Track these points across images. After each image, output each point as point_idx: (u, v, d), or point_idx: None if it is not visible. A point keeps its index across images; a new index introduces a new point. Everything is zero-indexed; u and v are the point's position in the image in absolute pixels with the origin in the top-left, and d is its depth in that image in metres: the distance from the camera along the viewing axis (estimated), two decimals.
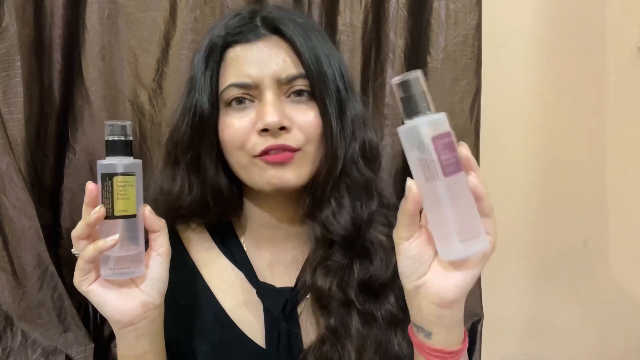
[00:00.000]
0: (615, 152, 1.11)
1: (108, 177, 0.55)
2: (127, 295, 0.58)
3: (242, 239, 0.73)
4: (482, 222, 0.48)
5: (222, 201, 0.69)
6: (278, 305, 0.67)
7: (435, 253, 0.51)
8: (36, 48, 0.88)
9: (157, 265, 0.59)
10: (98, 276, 0.57)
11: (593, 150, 1.12)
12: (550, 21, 1.10)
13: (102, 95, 0.90)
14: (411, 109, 0.47)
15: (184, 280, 0.70)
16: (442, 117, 0.47)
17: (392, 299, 0.66)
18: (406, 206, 0.50)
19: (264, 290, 0.69)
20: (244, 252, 0.72)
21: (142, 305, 0.58)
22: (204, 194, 0.68)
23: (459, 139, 1.06)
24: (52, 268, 0.87)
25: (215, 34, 0.66)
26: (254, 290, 0.69)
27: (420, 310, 0.53)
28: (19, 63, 0.84)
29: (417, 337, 0.55)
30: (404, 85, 0.47)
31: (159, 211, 0.66)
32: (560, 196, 1.13)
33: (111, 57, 0.91)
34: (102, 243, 0.54)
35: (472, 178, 0.47)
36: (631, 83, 1.09)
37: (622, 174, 1.12)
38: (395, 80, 0.48)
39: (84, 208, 0.56)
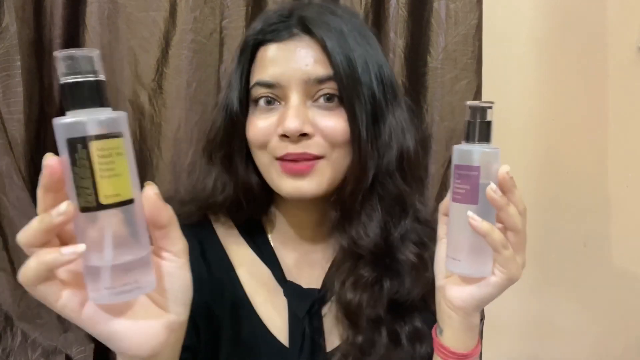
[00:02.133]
0: (615, 152, 1.11)
1: (80, 144, 0.35)
2: (146, 318, 0.42)
3: (269, 236, 0.72)
4: (495, 256, 0.52)
5: (253, 200, 0.68)
6: (304, 306, 0.66)
7: None
8: (36, 48, 0.88)
9: (177, 271, 0.43)
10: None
11: (593, 150, 1.12)
12: (550, 21, 1.10)
13: None
14: (466, 132, 0.53)
15: (221, 278, 0.67)
16: (474, 150, 0.51)
17: (417, 315, 0.65)
18: (441, 205, 0.57)
19: (290, 290, 0.68)
20: (272, 250, 0.71)
21: (166, 328, 0.43)
22: (237, 193, 0.67)
23: (459, 139, 1.06)
24: None
25: (251, 30, 0.65)
26: (280, 289, 0.68)
27: (439, 307, 0.59)
28: (19, 63, 0.84)
29: (436, 332, 0.60)
30: (471, 111, 0.53)
31: (193, 206, 0.67)
32: (561, 196, 1.13)
33: (111, 57, 0.91)
34: (52, 255, 0.37)
35: (469, 215, 0.51)
36: (631, 83, 1.09)
37: (622, 174, 1.12)
38: (468, 103, 0.53)
39: (41, 196, 0.38)
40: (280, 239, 0.71)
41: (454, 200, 0.52)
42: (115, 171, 0.36)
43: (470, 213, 0.50)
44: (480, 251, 0.52)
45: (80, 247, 0.36)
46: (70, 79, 0.36)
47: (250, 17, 0.91)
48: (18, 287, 0.87)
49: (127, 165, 0.37)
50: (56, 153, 0.36)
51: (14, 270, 0.88)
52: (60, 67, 0.36)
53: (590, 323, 1.16)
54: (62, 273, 0.39)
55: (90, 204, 0.36)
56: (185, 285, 0.44)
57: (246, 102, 0.64)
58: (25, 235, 0.37)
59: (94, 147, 0.35)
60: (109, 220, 0.37)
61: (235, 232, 0.72)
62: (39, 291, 0.38)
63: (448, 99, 0.96)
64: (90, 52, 0.37)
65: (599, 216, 1.13)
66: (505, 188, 0.51)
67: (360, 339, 0.63)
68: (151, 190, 0.40)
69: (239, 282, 0.68)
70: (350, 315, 0.64)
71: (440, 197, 0.98)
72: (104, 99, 0.37)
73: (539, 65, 1.11)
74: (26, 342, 0.87)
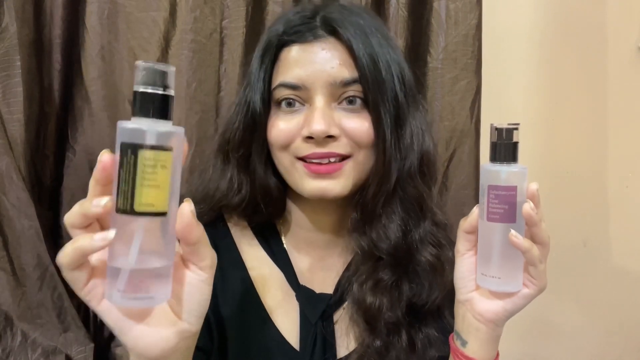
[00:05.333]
0: (615, 151, 1.11)
1: (131, 150, 0.37)
2: (158, 320, 0.43)
3: (283, 240, 0.71)
4: (529, 269, 0.54)
5: (271, 202, 0.68)
6: (317, 311, 0.66)
7: None
8: (36, 48, 0.88)
9: (198, 284, 0.44)
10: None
11: (593, 150, 1.12)
12: (550, 21, 1.10)
13: (102, 95, 0.90)
14: (493, 153, 0.53)
15: (233, 279, 0.67)
16: (511, 171, 0.52)
17: (431, 321, 0.65)
18: (463, 224, 0.57)
19: (304, 295, 0.67)
20: (286, 253, 0.70)
21: (176, 334, 0.43)
22: (254, 194, 0.66)
23: (459, 139, 1.06)
24: (52, 268, 0.87)
25: (274, 31, 0.63)
26: (292, 293, 0.67)
27: (463, 320, 0.59)
28: (18, 63, 0.84)
29: (454, 342, 0.60)
30: (498, 133, 0.53)
31: (205, 206, 0.67)
32: (560, 196, 1.13)
33: (111, 57, 0.91)
34: (86, 241, 0.38)
35: (512, 234, 0.52)
36: (631, 83, 1.09)
37: (622, 173, 1.12)
38: (494, 124, 0.53)
39: (91, 185, 0.40)
40: (294, 243, 0.71)
41: (490, 220, 0.53)
42: (155, 182, 0.37)
43: (513, 232, 0.52)
44: (514, 267, 0.54)
45: (111, 234, 0.37)
46: (142, 88, 0.38)
47: (251, 17, 0.92)
48: (18, 287, 0.87)
49: (170, 179, 0.38)
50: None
51: (14, 270, 0.87)
52: (137, 75, 0.38)
53: (590, 323, 1.16)
54: (94, 261, 0.41)
55: (125, 207, 0.37)
56: (204, 299, 0.45)
57: (268, 103, 0.63)
58: (68, 217, 0.40)
59: (142, 155, 0.37)
60: (139, 227, 0.38)
61: (250, 233, 0.71)
62: (71, 275, 0.40)
63: (448, 99, 0.96)
64: (167, 68, 0.39)
65: (598, 216, 1.13)
66: (535, 204, 0.52)
67: (378, 342, 0.62)
68: (187, 207, 0.41)
69: (251, 284, 0.68)
70: (369, 319, 0.64)
71: (439, 197, 0.98)
72: (168, 113, 0.39)
73: (539, 65, 1.11)
74: (26, 342, 0.86)
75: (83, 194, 0.44)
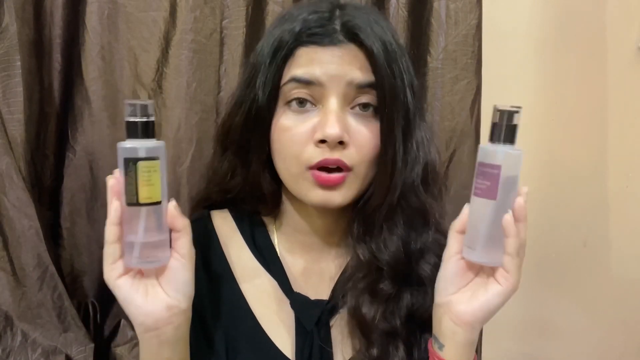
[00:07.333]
0: (615, 152, 1.11)
1: (132, 162, 0.52)
2: (153, 297, 0.55)
3: (275, 242, 0.70)
4: (505, 259, 0.55)
5: (260, 199, 0.68)
6: (312, 318, 0.65)
7: (469, 282, 0.59)
8: (36, 48, 0.88)
9: (180, 268, 0.56)
10: (127, 272, 0.54)
11: (593, 150, 1.12)
12: (550, 21, 1.10)
13: (102, 95, 0.90)
14: (491, 133, 0.56)
15: (217, 281, 0.67)
16: (497, 150, 0.54)
17: (430, 329, 0.64)
18: (454, 224, 0.58)
19: (298, 302, 0.66)
20: (278, 258, 0.69)
21: (167, 308, 0.55)
22: (244, 185, 0.67)
23: (459, 139, 1.06)
24: (52, 268, 0.87)
25: (288, 29, 0.61)
26: (286, 300, 0.66)
27: (440, 323, 0.59)
28: (19, 63, 0.84)
29: (432, 346, 0.61)
30: (498, 114, 0.55)
31: (210, 188, 0.74)
32: (560, 196, 1.13)
33: (111, 57, 0.91)
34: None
35: (506, 217, 0.54)
36: (631, 83, 1.09)
37: (622, 173, 1.12)
38: (496, 105, 0.55)
39: (109, 198, 0.54)
40: (287, 246, 0.70)
41: (475, 194, 0.56)
42: (151, 182, 0.53)
43: (505, 219, 0.54)
44: (494, 243, 0.56)
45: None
46: (132, 119, 0.53)
47: (251, 17, 0.91)
48: (18, 287, 0.87)
49: (160, 178, 0.53)
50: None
51: (14, 270, 0.87)
52: (127, 109, 0.53)
53: (589, 323, 1.16)
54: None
55: (133, 201, 0.53)
56: (185, 281, 0.56)
57: (275, 101, 0.62)
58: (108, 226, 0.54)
59: (140, 165, 0.52)
60: (143, 213, 0.53)
61: (239, 237, 0.71)
62: (112, 247, 0.53)
63: (448, 99, 0.96)
64: (146, 102, 0.53)
65: (599, 216, 1.13)
66: (518, 216, 0.54)
67: (374, 351, 0.62)
68: (172, 205, 0.55)
69: (242, 295, 0.67)
70: (363, 328, 0.63)
71: (440, 202, 0.98)
72: (152, 133, 0.54)
73: (539, 65, 1.11)
74: (26, 342, 0.86)
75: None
